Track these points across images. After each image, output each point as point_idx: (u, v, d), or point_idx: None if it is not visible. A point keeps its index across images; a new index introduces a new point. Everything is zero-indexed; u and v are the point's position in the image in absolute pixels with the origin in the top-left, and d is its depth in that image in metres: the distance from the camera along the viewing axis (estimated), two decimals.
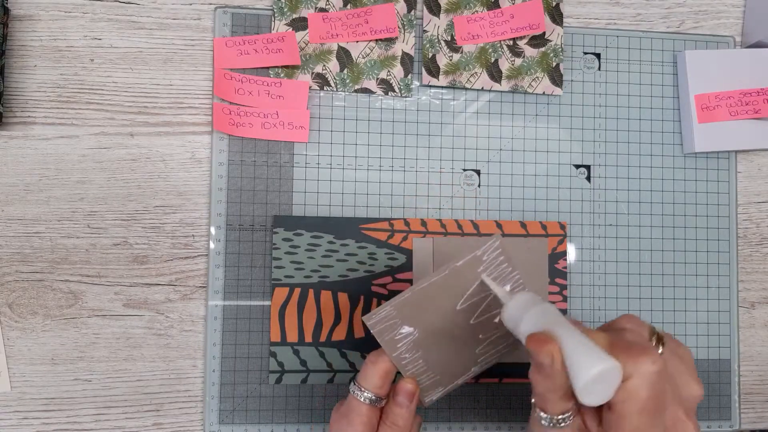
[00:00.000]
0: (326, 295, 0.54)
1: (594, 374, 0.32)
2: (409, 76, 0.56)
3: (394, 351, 0.42)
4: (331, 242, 0.54)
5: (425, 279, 0.41)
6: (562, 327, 0.34)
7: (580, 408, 0.35)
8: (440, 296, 0.41)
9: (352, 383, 0.42)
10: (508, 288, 0.41)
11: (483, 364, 0.43)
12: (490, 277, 0.41)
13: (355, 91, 0.56)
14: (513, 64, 0.57)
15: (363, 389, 0.41)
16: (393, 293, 0.55)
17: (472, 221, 0.56)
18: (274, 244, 0.54)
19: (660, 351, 0.37)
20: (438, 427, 0.55)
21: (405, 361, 0.42)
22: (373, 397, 0.41)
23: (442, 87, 0.57)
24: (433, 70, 0.56)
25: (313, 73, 0.55)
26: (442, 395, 0.43)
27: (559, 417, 0.35)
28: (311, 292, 0.54)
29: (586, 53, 0.59)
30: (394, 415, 0.41)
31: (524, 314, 0.37)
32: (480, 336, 0.42)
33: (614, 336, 0.36)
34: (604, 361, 0.32)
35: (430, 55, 0.56)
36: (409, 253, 0.55)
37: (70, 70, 0.54)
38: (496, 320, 0.42)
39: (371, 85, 0.56)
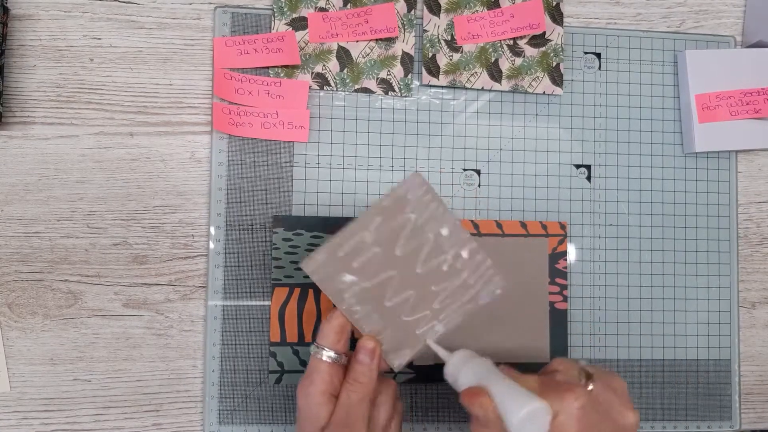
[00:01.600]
0: (326, 295, 0.54)
1: (522, 415, 0.36)
2: (409, 76, 0.56)
3: (342, 303, 0.42)
4: None
5: (354, 221, 0.41)
6: (494, 378, 0.39)
7: None
8: (376, 243, 0.41)
9: (312, 345, 0.43)
10: (445, 231, 0.41)
11: (446, 321, 0.42)
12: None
13: (355, 90, 0.56)
14: (513, 64, 0.57)
15: (320, 347, 0.42)
16: None
17: (472, 221, 0.56)
18: (274, 244, 0.54)
19: (590, 387, 0.40)
20: (438, 427, 0.55)
21: (357, 315, 0.42)
22: (333, 354, 0.42)
23: (442, 87, 0.57)
24: (433, 69, 0.56)
25: (313, 73, 0.55)
26: (412, 358, 0.43)
27: None
28: (311, 292, 0.54)
29: (586, 53, 0.59)
30: (355, 372, 0.41)
31: (461, 370, 0.41)
32: (433, 288, 0.42)
33: (544, 378, 0.41)
34: (531, 402, 0.36)
35: (430, 54, 0.56)
36: None
37: (70, 69, 0.54)
38: (444, 268, 0.41)
39: (371, 84, 0.56)
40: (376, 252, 0.41)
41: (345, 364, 0.43)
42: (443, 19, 0.57)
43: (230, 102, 0.54)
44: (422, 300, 0.42)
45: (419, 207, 0.41)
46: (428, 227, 0.41)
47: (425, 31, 0.57)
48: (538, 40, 0.58)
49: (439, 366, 0.55)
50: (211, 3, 0.55)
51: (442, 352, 0.43)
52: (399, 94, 0.56)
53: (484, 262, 0.41)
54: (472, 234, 0.56)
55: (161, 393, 0.54)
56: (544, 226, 0.57)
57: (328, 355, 0.42)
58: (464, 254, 0.41)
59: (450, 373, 0.43)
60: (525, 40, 0.58)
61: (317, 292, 0.54)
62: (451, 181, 0.57)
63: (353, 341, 0.44)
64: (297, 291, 0.54)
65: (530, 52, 0.57)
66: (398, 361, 0.43)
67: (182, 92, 0.55)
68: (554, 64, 0.58)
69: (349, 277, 0.41)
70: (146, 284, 0.54)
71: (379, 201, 0.41)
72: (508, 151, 0.58)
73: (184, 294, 0.54)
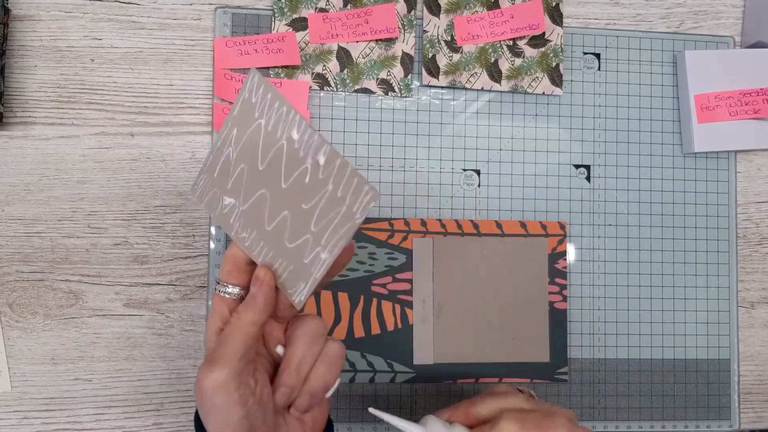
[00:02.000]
0: (326, 295, 0.54)
1: None
2: (409, 76, 0.57)
3: (231, 229, 0.39)
4: None
5: (218, 136, 0.39)
6: None
7: None
8: (240, 158, 0.39)
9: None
10: (295, 134, 0.37)
11: (330, 246, 0.38)
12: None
13: (355, 91, 0.56)
14: (513, 64, 0.57)
15: (219, 282, 0.39)
16: (393, 293, 0.55)
17: (472, 221, 0.56)
18: None
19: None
20: None
21: (247, 243, 0.39)
22: (229, 288, 0.38)
23: (442, 87, 0.57)
24: (433, 70, 0.56)
25: (313, 73, 0.55)
26: (309, 292, 0.39)
27: None
28: None
29: (585, 53, 0.59)
30: (242, 304, 0.38)
31: None
32: (303, 206, 0.38)
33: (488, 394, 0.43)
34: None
35: (430, 55, 0.56)
36: (409, 253, 0.55)
37: (71, 70, 0.54)
38: (306, 180, 0.38)
39: (371, 85, 0.56)
40: (242, 168, 0.39)
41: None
42: (443, 20, 0.57)
43: (231, 102, 0.54)
44: (298, 221, 0.38)
45: (265, 109, 0.38)
46: (279, 132, 0.38)
47: (425, 31, 0.57)
48: (538, 40, 0.58)
49: (438, 366, 0.55)
50: (211, 4, 0.56)
51: (402, 424, 0.41)
52: (399, 95, 0.56)
53: (345, 168, 0.37)
54: (472, 234, 0.56)
55: (162, 392, 0.54)
56: (544, 226, 0.57)
57: (221, 290, 0.38)
58: (321, 160, 0.37)
59: None
60: (525, 41, 0.58)
61: (317, 292, 0.54)
62: (451, 181, 0.57)
63: None
64: None
65: (530, 52, 0.58)
66: (297, 298, 0.39)
67: (183, 93, 0.55)
68: (554, 64, 0.58)
69: (228, 200, 0.39)
70: (147, 284, 0.54)
71: (230, 112, 0.39)
72: (508, 151, 0.58)
73: (185, 294, 0.54)
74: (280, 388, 0.37)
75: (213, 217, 0.40)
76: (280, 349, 0.38)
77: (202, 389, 0.35)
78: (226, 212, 0.39)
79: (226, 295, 0.38)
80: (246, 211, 0.39)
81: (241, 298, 0.38)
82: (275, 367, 0.39)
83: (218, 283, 0.39)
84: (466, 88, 0.57)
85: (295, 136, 0.37)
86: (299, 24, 0.55)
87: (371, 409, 0.41)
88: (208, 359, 0.36)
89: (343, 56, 0.56)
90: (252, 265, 0.39)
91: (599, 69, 0.59)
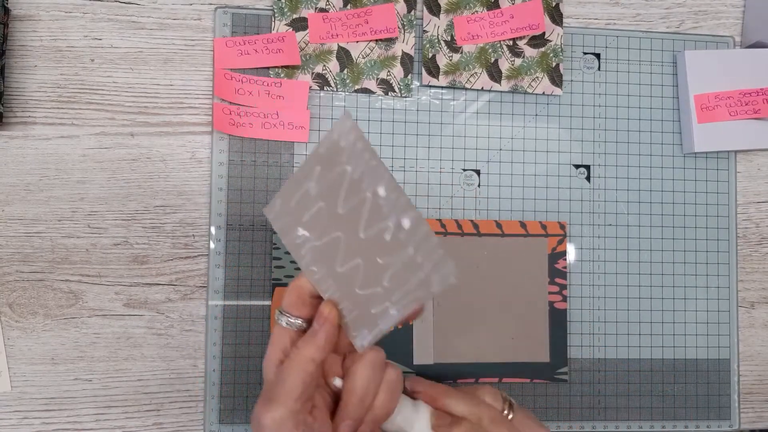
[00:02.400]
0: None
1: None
2: (409, 76, 0.57)
3: (301, 259, 0.39)
4: None
5: (300, 167, 0.39)
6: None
7: None
8: (320, 196, 0.38)
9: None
10: (382, 191, 0.37)
11: (399, 306, 0.38)
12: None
13: (355, 91, 0.56)
14: (513, 64, 0.57)
15: (281, 311, 0.38)
16: None
17: (472, 221, 0.56)
18: (274, 244, 0.54)
19: (510, 416, 0.45)
20: None
21: (316, 276, 0.39)
22: (292, 320, 0.38)
23: (442, 87, 0.57)
24: (433, 70, 0.56)
25: (313, 73, 0.55)
26: (373, 340, 0.39)
27: None
28: None
29: (585, 53, 0.59)
30: (302, 340, 0.37)
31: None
32: (379, 260, 0.38)
33: (468, 391, 0.46)
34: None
35: (430, 55, 0.56)
36: None
37: (71, 70, 0.54)
38: (387, 237, 0.37)
39: (371, 85, 0.56)
40: (321, 207, 0.38)
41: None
42: (443, 20, 0.57)
43: (231, 102, 0.54)
44: (371, 272, 0.38)
45: (353, 157, 0.37)
46: (365, 183, 0.37)
47: (425, 31, 0.57)
48: (538, 40, 0.58)
49: (438, 366, 0.55)
50: (211, 3, 0.56)
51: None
52: (399, 95, 0.56)
53: (429, 237, 0.37)
54: (472, 234, 0.56)
55: (162, 392, 0.54)
56: (544, 226, 0.57)
57: (287, 320, 0.38)
58: (405, 223, 0.37)
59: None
60: (524, 41, 0.58)
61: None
62: (451, 181, 0.57)
63: None
64: None
65: (530, 52, 0.58)
66: (359, 342, 0.39)
67: (183, 93, 0.55)
68: (554, 64, 0.58)
69: (302, 231, 0.39)
70: (147, 284, 0.54)
71: (315, 148, 0.38)
72: (508, 151, 0.58)
73: (185, 294, 0.54)
74: (345, 421, 0.37)
75: (285, 243, 0.39)
76: (338, 382, 0.39)
77: (261, 427, 0.35)
78: (298, 242, 0.39)
79: (287, 325, 0.38)
80: (318, 247, 0.39)
81: (303, 330, 0.38)
82: (333, 397, 0.39)
83: (281, 312, 0.38)
84: (466, 88, 0.57)
85: (382, 192, 0.37)
86: (299, 24, 0.55)
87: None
88: (267, 397, 0.36)
89: (343, 56, 0.56)
90: (316, 298, 0.39)
91: (599, 69, 0.59)
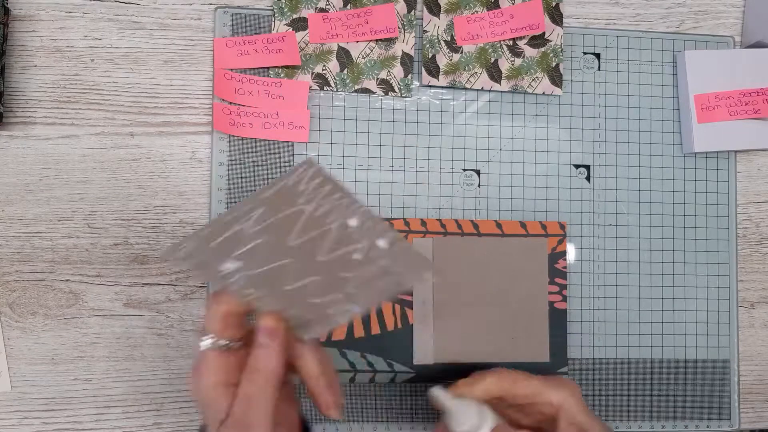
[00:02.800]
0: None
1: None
2: (409, 76, 0.57)
3: (231, 286, 0.38)
4: None
5: (228, 212, 0.38)
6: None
7: None
8: (261, 233, 0.38)
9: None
10: (354, 222, 0.37)
11: (364, 303, 0.38)
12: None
13: (355, 91, 0.56)
14: (513, 64, 0.57)
15: (205, 335, 0.36)
16: None
17: (472, 221, 0.56)
18: None
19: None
20: (426, 427, 0.55)
21: (252, 297, 0.37)
22: (221, 342, 0.36)
23: (442, 87, 0.57)
24: (433, 70, 0.56)
25: (313, 73, 0.55)
26: (324, 331, 0.39)
27: None
28: None
29: (585, 53, 0.59)
30: (254, 358, 0.35)
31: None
32: (342, 274, 0.38)
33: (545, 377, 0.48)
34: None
35: (430, 55, 0.56)
36: None
37: (71, 70, 0.54)
38: (357, 257, 0.37)
39: (371, 85, 0.56)
40: (262, 241, 0.38)
41: (239, 348, 0.37)
42: (443, 20, 0.57)
43: (231, 102, 0.54)
44: (331, 285, 0.38)
45: (316, 198, 0.38)
46: (331, 218, 0.38)
47: (425, 31, 0.57)
48: (538, 40, 0.58)
49: (438, 366, 0.55)
50: (211, 4, 0.56)
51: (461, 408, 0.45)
52: (399, 95, 0.56)
53: (408, 250, 0.38)
54: (472, 234, 0.56)
55: (162, 392, 0.54)
56: (544, 226, 0.57)
57: (214, 342, 0.36)
58: (381, 244, 0.37)
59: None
60: (525, 41, 0.58)
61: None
62: (451, 181, 0.57)
63: None
64: None
65: (530, 52, 0.58)
66: (308, 335, 0.38)
67: (183, 93, 0.55)
68: (554, 64, 0.58)
69: (232, 264, 0.38)
70: (147, 284, 0.54)
71: (257, 193, 0.38)
72: (508, 151, 0.58)
73: (185, 294, 0.54)
74: (336, 407, 0.38)
75: (205, 276, 0.39)
76: (207, 342, 0.37)
77: None
78: (225, 274, 0.38)
79: (216, 348, 0.36)
80: (257, 274, 0.38)
81: (239, 348, 0.37)
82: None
83: (202, 334, 0.36)
84: (466, 88, 0.57)
85: (354, 223, 0.38)
86: (299, 24, 0.55)
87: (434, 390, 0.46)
88: (241, 423, 0.35)
89: (343, 56, 0.56)
90: (242, 316, 0.37)
91: (599, 69, 0.59)
